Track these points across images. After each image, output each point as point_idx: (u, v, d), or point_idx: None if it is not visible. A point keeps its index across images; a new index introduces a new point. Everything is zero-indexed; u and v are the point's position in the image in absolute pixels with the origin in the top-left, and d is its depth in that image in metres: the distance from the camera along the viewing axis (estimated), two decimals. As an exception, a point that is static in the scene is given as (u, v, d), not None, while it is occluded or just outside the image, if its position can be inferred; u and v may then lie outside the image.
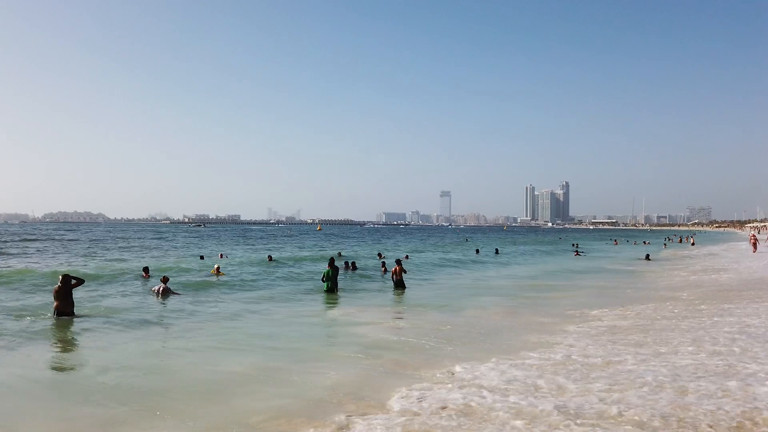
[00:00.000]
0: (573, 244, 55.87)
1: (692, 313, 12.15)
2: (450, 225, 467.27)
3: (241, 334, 11.21)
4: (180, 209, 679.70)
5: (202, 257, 30.24)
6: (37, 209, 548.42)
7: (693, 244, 56.68)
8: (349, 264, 24.93)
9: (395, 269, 18.93)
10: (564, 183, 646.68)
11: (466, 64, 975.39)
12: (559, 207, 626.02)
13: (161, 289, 16.60)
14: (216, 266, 22.52)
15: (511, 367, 7.71)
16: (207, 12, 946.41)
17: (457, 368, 7.76)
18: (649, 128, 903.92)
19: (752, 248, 38.17)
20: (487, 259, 36.07)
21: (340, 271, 19.54)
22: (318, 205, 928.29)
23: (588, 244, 65.43)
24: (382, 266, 24.96)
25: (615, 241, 73.55)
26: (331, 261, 18.35)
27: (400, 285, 18.74)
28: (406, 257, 32.80)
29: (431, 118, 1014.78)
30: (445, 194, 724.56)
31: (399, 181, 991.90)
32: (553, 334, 10.37)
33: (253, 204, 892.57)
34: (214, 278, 21.01)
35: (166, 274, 18.90)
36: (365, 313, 13.93)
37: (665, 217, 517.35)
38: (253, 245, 50.11)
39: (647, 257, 33.92)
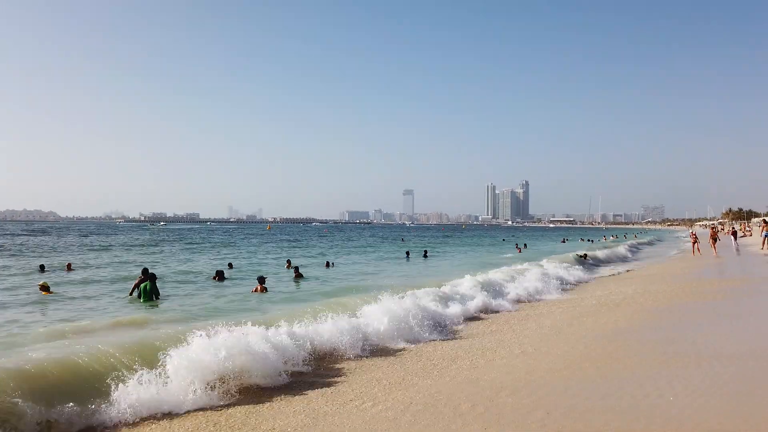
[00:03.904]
0: (524, 244, 55.64)
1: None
2: (412, 223, 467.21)
3: None
4: (137, 207, 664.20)
5: (42, 267, 24.09)
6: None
7: (607, 241, 57.39)
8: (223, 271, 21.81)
9: (256, 288, 16.48)
10: (524, 182, 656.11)
11: (430, 64, 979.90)
12: (520, 206, 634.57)
13: None
14: (41, 283, 16.73)
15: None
16: (174, 7, 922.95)
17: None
18: (606, 129, 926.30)
19: (692, 249, 34.69)
20: (409, 264, 33.64)
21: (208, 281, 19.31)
22: (280, 204, 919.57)
23: (535, 243, 65.20)
24: (292, 268, 23.28)
25: (563, 239, 74.30)
26: (144, 270, 16.14)
27: None
28: (329, 264, 30.14)
29: (395, 116, 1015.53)
30: (408, 192, 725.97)
31: (363, 179, 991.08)
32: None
33: (213, 202, 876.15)
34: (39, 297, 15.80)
35: None
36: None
37: (621, 215, 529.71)
38: (163, 254, 38.75)
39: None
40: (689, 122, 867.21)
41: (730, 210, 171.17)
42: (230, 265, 26.95)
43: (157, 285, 15.70)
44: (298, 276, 21.68)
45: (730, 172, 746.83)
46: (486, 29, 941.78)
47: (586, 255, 31.79)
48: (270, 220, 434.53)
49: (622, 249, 41.36)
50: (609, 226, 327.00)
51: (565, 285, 19.10)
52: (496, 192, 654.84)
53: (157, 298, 15.22)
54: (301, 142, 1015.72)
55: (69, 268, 25.05)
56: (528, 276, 18.96)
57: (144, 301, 14.83)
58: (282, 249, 48.56)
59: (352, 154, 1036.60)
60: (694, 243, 35.30)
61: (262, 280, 16.68)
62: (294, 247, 52.33)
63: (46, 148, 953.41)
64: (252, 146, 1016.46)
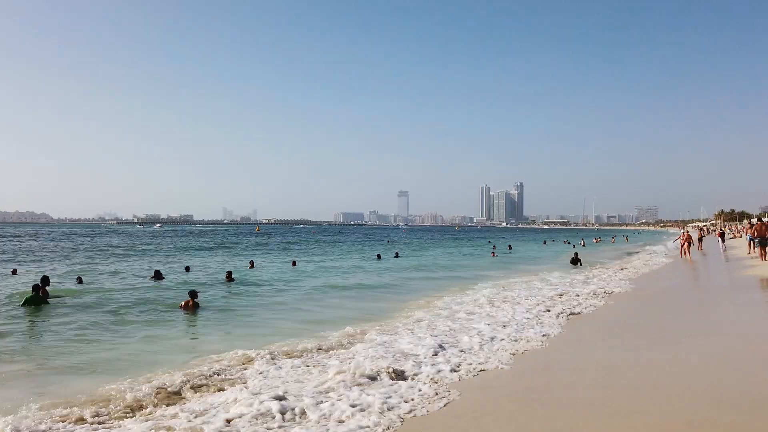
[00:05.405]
0: (509, 245, 54.77)
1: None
2: (406, 225, 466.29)
3: None
4: (131, 209, 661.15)
5: None
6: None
7: (583, 245, 56.89)
8: (160, 273, 22.07)
9: (186, 302, 14.80)
10: (518, 183, 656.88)
11: (422, 66, 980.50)
12: (514, 207, 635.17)
13: None
14: None
15: None
16: (179, 3, 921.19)
17: None
18: (601, 131, 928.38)
19: (681, 250, 33.63)
20: (374, 265, 31.98)
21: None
22: (275, 205, 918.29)
23: (522, 245, 64.19)
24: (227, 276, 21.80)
25: (545, 242, 72.20)
26: (35, 287, 14.83)
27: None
28: (295, 263, 29.57)
29: (389, 118, 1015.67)
30: (403, 194, 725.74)
31: (358, 181, 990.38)
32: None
33: (207, 204, 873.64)
34: None
35: None
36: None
37: (615, 216, 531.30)
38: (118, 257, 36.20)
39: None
40: (683, 124, 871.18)
41: (723, 211, 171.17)
42: (187, 269, 26.29)
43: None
44: (230, 279, 21.13)
45: (723, 174, 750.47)
46: (480, 30, 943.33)
47: (577, 256, 30.88)
48: (263, 221, 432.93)
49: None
50: (602, 227, 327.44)
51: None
52: (491, 193, 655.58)
53: (43, 303, 14.60)
54: (296, 143, 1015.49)
55: (14, 273, 24.81)
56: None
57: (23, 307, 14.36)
58: (261, 251, 47.51)
59: (347, 156, 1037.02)
60: (683, 245, 34.60)
61: (193, 294, 15.15)
62: (274, 250, 51.05)
63: (39, 150, 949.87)
64: (247, 147, 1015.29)
